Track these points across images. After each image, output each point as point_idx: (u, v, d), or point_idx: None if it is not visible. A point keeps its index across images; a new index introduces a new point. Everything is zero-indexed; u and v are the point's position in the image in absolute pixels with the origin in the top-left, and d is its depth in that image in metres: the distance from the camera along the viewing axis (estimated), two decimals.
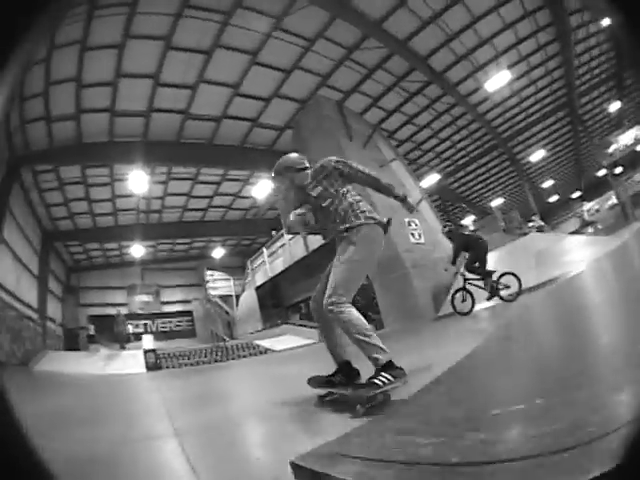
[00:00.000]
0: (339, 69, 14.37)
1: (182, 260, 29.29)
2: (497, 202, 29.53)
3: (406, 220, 13.25)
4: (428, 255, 13.14)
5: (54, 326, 19.13)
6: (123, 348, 15.27)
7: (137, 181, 16.33)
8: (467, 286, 9.22)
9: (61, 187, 17.12)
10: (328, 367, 3.34)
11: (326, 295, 3.04)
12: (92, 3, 10.34)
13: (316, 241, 17.54)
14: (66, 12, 8.48)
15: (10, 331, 12.39)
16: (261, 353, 14.62)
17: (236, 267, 28.38)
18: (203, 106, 14.87)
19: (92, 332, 15.52)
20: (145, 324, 26.92)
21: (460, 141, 21.33)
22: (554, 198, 33.05)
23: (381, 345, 2.76)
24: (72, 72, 12.18)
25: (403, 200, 3.62)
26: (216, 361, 13.93)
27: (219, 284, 27.29)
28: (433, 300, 12.20)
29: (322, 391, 3.32)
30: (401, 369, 2.70)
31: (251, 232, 26.21)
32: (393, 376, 2.62)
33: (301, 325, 16.99)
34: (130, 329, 23.72)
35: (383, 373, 2.62)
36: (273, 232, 22.58)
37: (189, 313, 28.71)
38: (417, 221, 13.61)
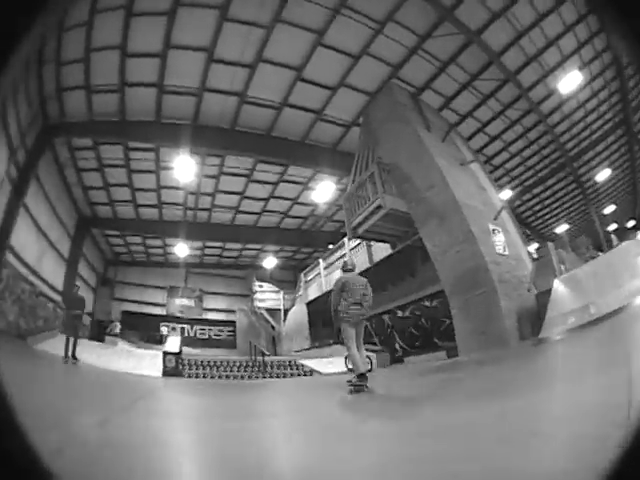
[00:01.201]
0: (411, 59, 12.07)
1: (230, 267, 26.70)
2: (561, 228, 26.09)
3: (491, 227, 10.39)
4: (513, 270, 10.16)
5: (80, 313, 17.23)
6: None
7: (184, 168, 14.20)
8: None
9: (101, 169, 15.11)
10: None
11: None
12: None
13: (381, 251, 14.91)
14: None
15: (19, 303, 11.10)
16: (305, 374, 12.49)
17: (287, 281, 25.74)
18: (262, 89, 12.72)
19: (117, 330, 13.33)
20: (182, 328, 24.39)
21: (530, 158, 18.37)
22: (613, 226, 29.20)
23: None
24: (117, 39, 10.49)
25: None
26: (249, 377, 11.67)
27: (267, 296, 24.39)
28: (518, 324, 9.16)
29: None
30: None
31: (307, 243, 23.00)
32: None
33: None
34: (165, 331, 21.72)
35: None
36: (330, 246, 19.89)
37: (232, 323, 25.50)
38: (500, 229, 10.71)
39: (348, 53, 11.80)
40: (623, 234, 27.55)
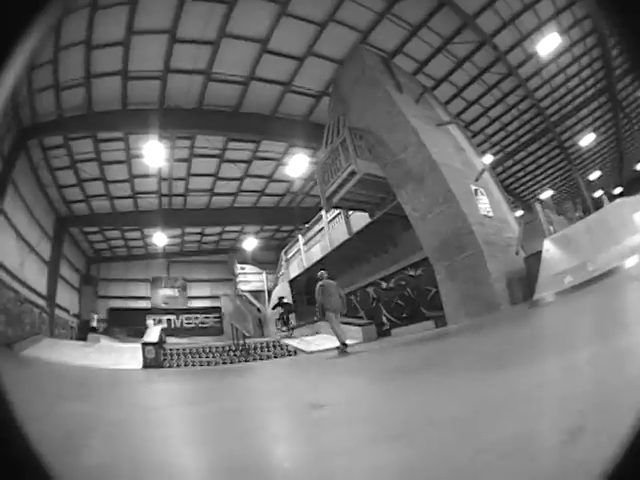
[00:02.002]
0: (380, 24, 10.95)
1: (211, 253, 25.11)
2: (545, 194, 24.96)
3: (473, 188, 9.42)
4: (499, 232, 9.22)
5: (68, 316, 16.24)
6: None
7: (153, 153, 13.11)
8: None
9: (73, 165, 14.03)
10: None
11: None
12: None
13: (360, 220, 13.94)
14: None
15: (5, 312, 10.49)
16: (289, 354, 11.49)
17: (270, 262, 23.94)
18: (227, 65, 11.63)
19: (94, 323, 12.35)
20: (169, 320, 23.28)
21: (510, 123, 17.21)
22: (599, 193, 28.38)
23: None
24: (82, 35, 9.80)
25: None
26: (231, 362, 10.79)
27: (250, 279, 23.04)
28: (508, 288, 8.26)
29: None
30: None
31: (286, 221, 21.47)
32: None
33: (343, 322, 13.23)
34: (151, 324, 20.62)
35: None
36: (306, 225, 18.71)
37: (217, 309, 24.29)
38: (483, 191, 9.74)
39: (313, 21, 10.70)
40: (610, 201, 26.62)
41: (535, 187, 24.77)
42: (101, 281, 22.78)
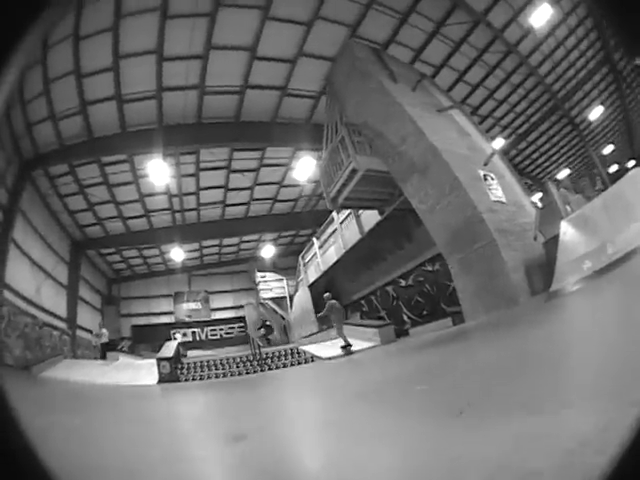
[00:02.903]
0: (367, 15, 10.30)
1: (231, 263, 24.65)
2: (562, 174, 23.34)
3: (481, 173, 8.60)
4: (513, 217, 8.35)
5: (90, 336, 16.23)
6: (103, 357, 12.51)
7: (158, 172, 12.87)
8: None
9: (82, 190, 13.93)
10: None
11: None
12: None
13: (371, 218, 13.27)
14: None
15: (24, 337, 10.74)
16: (306, 362, 10.92)
17: (290, 268, 23.21)
18: (219, 77, 11.23)
19: (105, 339, 12.21)
20: (193, 332, 23.04)
21: (518, 103, 16.11)
22: (614, 168, 26.44)
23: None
24: (70, 65, 9.75)
25: None
26: (247, 372, 10.48)
27: (271, 286, 22.50)
28: (527, 278, 7.40)
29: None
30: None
31: (302, 225, 20.68)
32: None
33: (360, 325, 12.61)
34: (178, 338, 20.48)
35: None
36: (319, 228, 18.08)
37: (241, 319, 23.69)
38: (493, 175, 8.89)
39: (299, 21, 10.17)
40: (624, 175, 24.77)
41: (551, 167, 23.24)
42: (123, 300, 22.73)
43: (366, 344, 10.76)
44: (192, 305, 23.94)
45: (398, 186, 9.69)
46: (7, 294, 10.65)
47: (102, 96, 10.79)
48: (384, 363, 6.19)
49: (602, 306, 3.56)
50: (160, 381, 9.54)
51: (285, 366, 10.73)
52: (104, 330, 13.08)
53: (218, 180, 15.72)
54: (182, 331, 22.12)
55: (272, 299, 22.30)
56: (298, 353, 11.83)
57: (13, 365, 9.80)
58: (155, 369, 10.00)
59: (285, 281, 22.37)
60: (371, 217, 13.29)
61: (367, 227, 13.79)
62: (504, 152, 17.22)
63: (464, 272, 8.30)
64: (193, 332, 23.00)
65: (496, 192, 8.58)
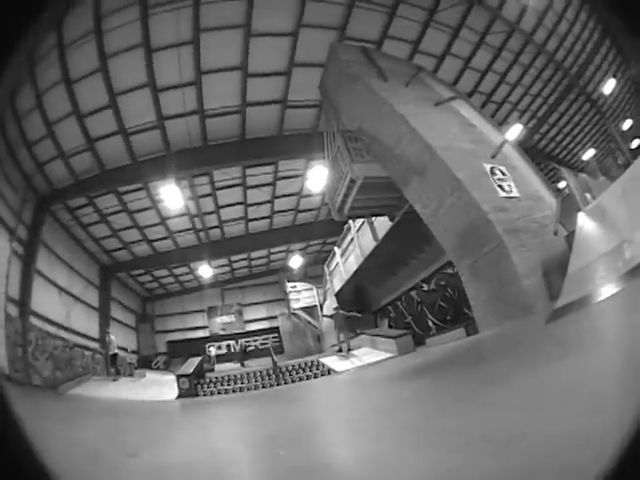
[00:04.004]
0: (352, 15, 9.62)
1: (262, 275, 24.42)
2: (588, 154, 21.05)
3: (487, 167, 7.56)
4: (529, 213, 7.22)
5: (125, 354, 16.57)
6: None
7: (172, 195, 12.86)
8: None
9: (103, 219, 14.14)
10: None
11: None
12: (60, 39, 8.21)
13: (385, 224, 12.44)
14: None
15: (53, 359, 11.05)
16: (322, 375, 10.40)
17: (321, 276, 22.26)
18: (216, 99, 10.99)
19: (114, 350, 11.61)
20: (228, 345, 22.84)
21: (532, 85, 14.54)
22: (636, 143, 23.50)
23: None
24: (68, 107, 9.90)
25: None
26: (263, 387, 10.30)
27: (302, 295, 21.84)
28: (545, 280, 6.28)
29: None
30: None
31: (329, 233, 19.59)
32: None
33: (377, 335, 11.89)
34: (213, 352, 20.54)
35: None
36: (340, 236, 17.34)
37: (275, 329, 23.31)
38: (504, 169, 7.80)
39: (283, 33, 9.69)
40: None
41: (577, 148, 20.91)
42: (158, 317, 22.95)
43: (383, 355, 10.12)
44: (226, 318, 23.78)
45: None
46: (35, 321, 11.00)
47: (106, 132, 10.87)
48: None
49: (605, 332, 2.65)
50: (179, 396, 9.48)
51: (301, 380, 10.33)
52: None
53: (236, 197, 15.44)
54: (216, 344, 22.03)
55: (303, 309, 21.66)
56: (316, 366, 11.32)
57: (41, 385, 9.95)
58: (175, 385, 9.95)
59: (315, 290, 21.66)
60: (385, 223, 12.42)
61: (381, 233, 12.96)
62: (526, 138, 15.79)
63: (474, 278, 7.29)
64: (227, 345, 22.82)
65: (507, 187, 7.50)
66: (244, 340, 22.51)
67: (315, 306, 21.31)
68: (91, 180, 11.92)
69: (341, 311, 12.06)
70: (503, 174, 7.67)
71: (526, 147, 16.57)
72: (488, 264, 6.82)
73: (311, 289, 21.85)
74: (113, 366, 11.71)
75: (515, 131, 13.29)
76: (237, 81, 10.60)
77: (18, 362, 9.59)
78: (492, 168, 7.63)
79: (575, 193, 6.58)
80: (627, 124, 21.43)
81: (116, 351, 11.86)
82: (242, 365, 16.15)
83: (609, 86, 16.66)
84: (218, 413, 6.35)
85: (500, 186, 7.41)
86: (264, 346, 22.05)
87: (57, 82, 9.02)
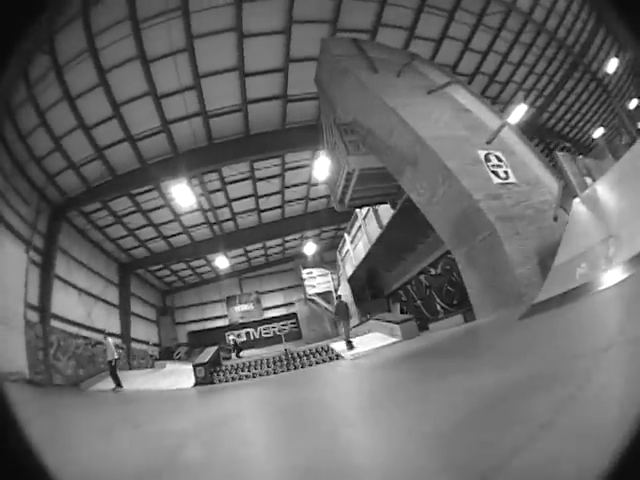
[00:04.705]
0: (344, 6, 9.35)
1: (278, 263, 24.47)
2: (598, 132, 19.95)
3: (481, 154, 7.34)
4: (526, 199, 7.00)
5: (147, 347, 17.18)
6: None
7: (184, 194, 12.89)
8: None
9: (119, 220, 14.44)
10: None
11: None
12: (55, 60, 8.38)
13: (389, 211, 12.39)
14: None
15: (75, 358, 11.57)
16: (330, 359, 10.45)
17: (335, 261, 22.43)
18: (217, 100, 11.01)
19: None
20: (247, 333, 23.18)
21: (536, 64, 13.87)
22: None
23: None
24: (72, 122, 10.05)
25: None
26: (274, 372, 10.56)
27: (317, 281, 21.99)
28: (541, 269, 6.10)
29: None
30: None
31: (341, 220, 19.01)
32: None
33: (384, 320, 11.89)
34: (233, 340, 21.06)
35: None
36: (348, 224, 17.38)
37: (293, 315, 23.58)
38: (500, 154, 7.54)
39: (274, 31, 9.55)
40: None
41: (586, 127, 19.86)
42: (178, 309, 23.38)
43: (389, 340, 10.13)
44: (244, 307, 23.98)
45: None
46: (56, 323, 11.37)
47: (113, 140, 11.07)
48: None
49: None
50: (196, 384, 9.81)
51: (311, 365, 10.47)
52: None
53: (246, 190, 15.52)
54: (236, 332, 22.45)
55: (319, 294, 21.79)
56: (325, 351, 11.49)
57: (63, 384, 10.47)
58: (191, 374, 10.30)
59: (330, 275, 21.78)
60: (389, 211, 12.33)
61: (385, 221, 12.87)
62: (534, 117, 15.13)
63: (470, 266, 7.18)
64: (247, 332, 23.19)
65: (503, 173, 7.28)
66: (235, 335, 22.68)
67: (330, 291, 21.46)
68: (103, 186, 12.18)
69: (343, 300, 11.48)
70: (499, 160, 7.44)
71: (536, 126, 16.00)
72: (482, 252, 6.71)
73: (326, 274, 22.00)
74: (113, 375, 9.70)
75: (520, 112, 12.72)
76: (235, 81, 10.56)
77: (39, 365, 9.99)
78: (487, 154, 7.40)
79: (571, 178, 6.26)
80: (633, 103, 20.29)
81: (116, 357, 9.85)
82: (238, 356, 16.43)
83: (612, 65, 15.78)
84: (223, 395, 6.65)
85: (495, 172, 7.20)
86: (282, 332, 22.35)
87: (59, 99, 9.21)
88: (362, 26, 10.02)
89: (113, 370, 9.74)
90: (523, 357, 2.34)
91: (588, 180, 6.84)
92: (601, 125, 20.10)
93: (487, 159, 7.38)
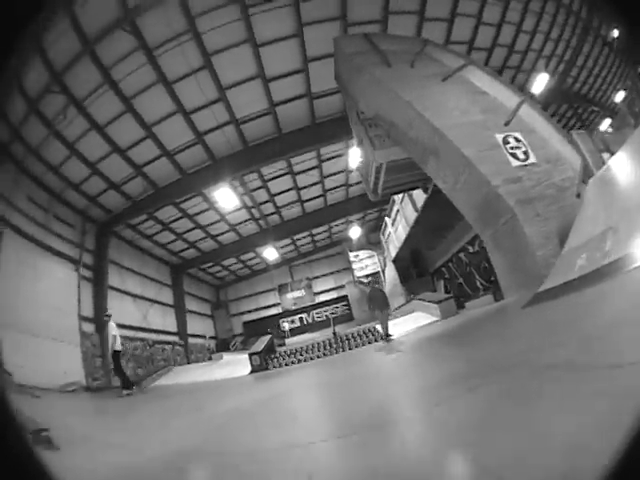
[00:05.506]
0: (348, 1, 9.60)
1: (326, 248, 25.22)
2: (619, 96, 18.67)
3: (499, 137, 7.59)
4: (547, 178, 7.21)
5: (203, 340, 18.56)
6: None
7: (226, 196, 14.04)
8: None
9: (166, 227, 15.71)
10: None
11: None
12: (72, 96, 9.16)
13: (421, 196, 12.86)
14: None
15: (134, 359, 12.38)
16: (376, 340, 11.05)
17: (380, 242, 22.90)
18: (245, 108, 11.73)
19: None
20: (300, 318, 24.26)
21: (550, 31, 13.37)
22: None
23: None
24: (105, 148, 11.01)
25: None
26: (324, 355, 11.29)
27: (364, 263, 22.70)
28: (562, 249, 6.38)
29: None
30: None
31: (381, 202, 18.50)
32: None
33: (425, 300, 12.36)
34: (286, 326, 22.53)
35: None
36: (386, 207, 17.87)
37: (344, 298, 24.32)
38: (518, 135, 7.72)
39: (287, 36, 10.00)
40: None
41: (608, 90, 18.64)
42: (231, 302, 24.85)
43: (430, 319, 10.65)
44: (296, 293, 24.97)
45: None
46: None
47: (151, 158, 12.08)
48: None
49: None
50: (252, 372, 10.56)
51: (357, 346, 11.20)
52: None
53: (286, 184, 16.30)
54: (290, 319, 23.77)
55: (367, 276, 22.46)
56: (372, 333, 12.14)
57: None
58: (247, 363, 11.05)
59: (376, 257, 22.35)
60: (422, 194, 12.70)
61: (420, 204, 13.27)
62: (558, 83, 14.64)
63: (496, 248, 7.64)
64: (300, 318, 24.38)
65: (522, 154, 7.51)
66: (289, 321, 23.95)
67: (378, 272, 22.16)
68: (147, 199, 13.29)
69: (376, 285, 11.08)
70: (517, 141, 7.66)
71: (562, 91, 15.42)
72: (505, 235, 7.13)
73: (373, 256, 22.65)
74: (118, 372, 8.14)
75: (542, 81, 12.38)
76: (259, 87, 11.18)
77: (96, 372, 10.77)
78: (505, 137, 7.65)
79: (587, 157, 6.31)
80: None
81: (119, 348, 8.18)
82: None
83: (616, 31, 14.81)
84: (275, 379, 7.45)
85: (513, 154, 7.47)
86: (333, 315, 23.23)
87: (86, 130, 10.08)
88: (372, 17, 10.20)
89: (117, 365, 8.12)
90: (504, 345, 2.98)
91: (605, 156, 6.85)
92: (622, 88, 18.82)
93: (505, 141, 7.63)
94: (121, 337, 8.59)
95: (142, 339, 13.71)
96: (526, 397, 1.64)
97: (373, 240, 23.33)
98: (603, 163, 6.37)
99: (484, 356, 2.89)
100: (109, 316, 8.81)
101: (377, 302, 9.13)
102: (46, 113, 9.16)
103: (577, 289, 3.79)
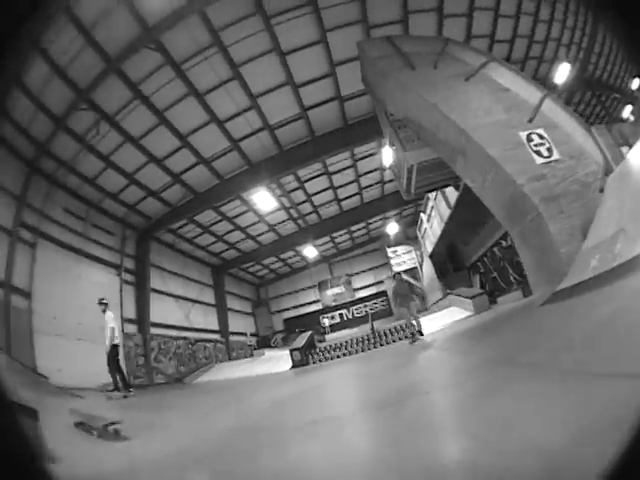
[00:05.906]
0: (367, 4, 9.98)
1: (365, 244, 25.69)
2: (635, 83, 17.58)
3: (523, 135, 7.75)
4: (571, 174, 7.29)
5: (245, 338, 19.37)
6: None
7: (264, 199, 14.92)
8: None
9: (206, 230, 16.57)
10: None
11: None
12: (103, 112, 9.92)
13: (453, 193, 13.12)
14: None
15: (177, 357, 13.06)
16: (413, 334, 11.20)
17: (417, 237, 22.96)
18: (277, 114, 12.43)
19: (116, 340, 7.25)
20: (340, 314, 24.71)
21: (565, 18, 13.16)
22: None
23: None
24: (143, 158, 11.92)
25: None
26: (362, 350, 11.72)
27: (402, 259, 22.78)
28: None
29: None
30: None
31: (416, 198, 18.58)
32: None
33: (459, 295, 12.56)
34: (326, 323, 23.21)
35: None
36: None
37: (383, 293, 24.55)
38: (542, 131, 7.83)
39: (312, 42, 10.52)
40: None
41: (626, 77, 17.56)
42: (272, 299, 25.70)
43: (464, 314, 10.97)
44: (336, 290, 25.47)
45: None
46: (156, 330, 13.08)
47: (188, 165, 12.91)
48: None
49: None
50: (293, 367, 11.05)
51: (395, 341, 11.66)
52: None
53: (322, 184, 16.96)
54: (330, 315, 24.39)
55: (405, 271, 22.36)
56: (409, 327, 12.47)
57: (166, 382, 11.81)
58: (288, 359, 11.68)
59: (414, 252, 22.61)
60: (455, 191, 12.92)
61: (452, 201, 13.50)
62: (580, 72, 14.31)
63: (524, 245, 7.87)
64: (340, 314, 24.92)
65: (545, 151, 7.63)
66: (329, 317, 24.70)
67: (415, 267, 22.43)
68: (186, 205, 14.17)
69: (404, 277, 11.07)
70: (541, 137, 7.76)
71: (584, 79, 15.01)
72: (532, 232, 7.35)
73: (410, 251, 22.90)
74: (113, 369, 7.16)
75: (564, 70, 12.20)
76: (290, 94, 11.77)
77: (138, 370, 11.39)
78: (529, 134, 7.78)
79: (606, 153, 6.30)
80: None
81: (117, 341, 7.33)
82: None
83: None
84: (313, 374, 7.98)
85: (538, 152, 7.59)
86: (371, 311, 23.44)
87: (121, 143, 10.99)
88: (392, 18, 10.53)
89: (115, 362, 7.18)
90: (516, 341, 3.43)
91: (624, 150, 6.79)
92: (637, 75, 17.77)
93: (529, 139, 7.76)
94: (164, 337, 8.41)
95: (184, 338, 14.51)
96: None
97: (410, 235, 23.54)
98: (622, 157, 6.37)
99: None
100: (105, 304, 7.60)
101: (403, 298, 8.68)
102: (76, 129, 10.00)
103: (591, 289, 3.93)
